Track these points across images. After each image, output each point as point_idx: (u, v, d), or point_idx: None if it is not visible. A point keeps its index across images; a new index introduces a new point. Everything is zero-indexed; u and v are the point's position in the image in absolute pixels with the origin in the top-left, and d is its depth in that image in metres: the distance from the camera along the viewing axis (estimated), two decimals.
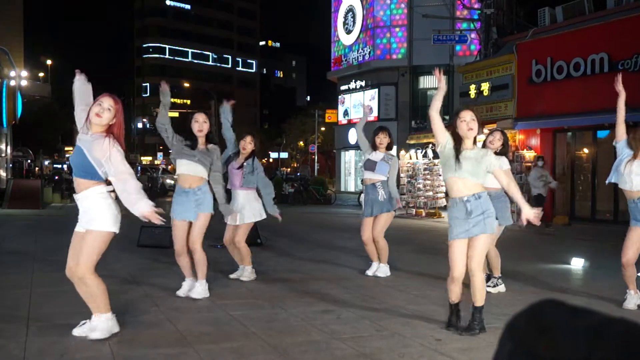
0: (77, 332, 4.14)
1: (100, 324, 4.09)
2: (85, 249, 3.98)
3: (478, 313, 4.51)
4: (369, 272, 6.96)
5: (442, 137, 4.50)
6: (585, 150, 15.59)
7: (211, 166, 5.52)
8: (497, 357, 0.75)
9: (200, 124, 5.51)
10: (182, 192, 5.46)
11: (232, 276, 6.55)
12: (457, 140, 4.48)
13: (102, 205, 3.99)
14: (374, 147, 6.88)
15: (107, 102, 4.04)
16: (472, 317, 4.52)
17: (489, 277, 6.10)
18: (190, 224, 5.49)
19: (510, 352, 0.73)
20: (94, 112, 4.01)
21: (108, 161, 3.94)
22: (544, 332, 0.71)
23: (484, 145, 5.91)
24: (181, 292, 5.58)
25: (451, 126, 4.54)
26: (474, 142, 4.53)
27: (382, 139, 6.83)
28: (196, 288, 5.54)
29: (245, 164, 6.38)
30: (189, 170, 5.44)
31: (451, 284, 4.58)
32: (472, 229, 4.40)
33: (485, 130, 7.54)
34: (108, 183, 4.06)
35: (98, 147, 3.94)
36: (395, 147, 28.26)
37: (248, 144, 6.42)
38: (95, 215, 3.98)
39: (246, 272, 6.53)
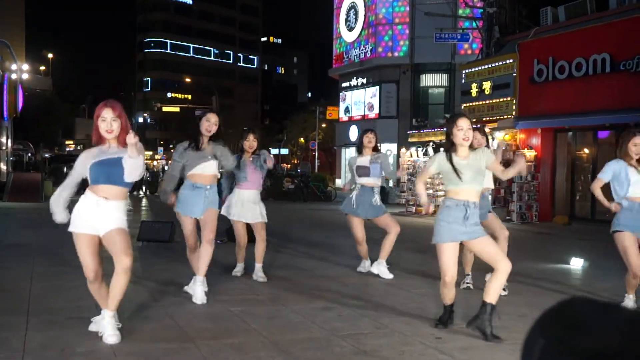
0: (112, 340, 3.95)
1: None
2: (124, 242, 4.05)
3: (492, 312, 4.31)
4: (367, 269, 6.94)
5: (432, 169, 4.54)
6: (586, 150, 15.58)
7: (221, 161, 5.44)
8: (527, 353, 0.76)
9: (211, 124, 5.38)
10: (192, 187, 5.32)
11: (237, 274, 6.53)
12: (452, 149, 4.41)
13: (125, 208, 4.19)
14: (360, 150, 6.82)
15: (109, 115, 3.98)
16: (490, 316, 4.25)
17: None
18: (196, 220, 5.41)
19: (542, 348, 0.74)
20: (103, 130, 3.99)
21: (132, 174, 4.04)
22: (578, 328, 0.72)
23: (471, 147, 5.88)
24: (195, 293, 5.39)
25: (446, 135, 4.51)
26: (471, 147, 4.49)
27: (371, 139, 6.78)
28: (199, 290, 5.27)
29: (252, 159, 6.31)
30: (203, 170, 5.33)
31: (444, 289, 4.50)
32: (471, 233, 4.35)
33: (498, 134, 7.54)
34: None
35: (134, 165, 3.96)
36: (395, 145, 28.03)
37: (253, 142, 6.34)
38: (122, 216, 4.09)
39: (260, 272, 6.41)
